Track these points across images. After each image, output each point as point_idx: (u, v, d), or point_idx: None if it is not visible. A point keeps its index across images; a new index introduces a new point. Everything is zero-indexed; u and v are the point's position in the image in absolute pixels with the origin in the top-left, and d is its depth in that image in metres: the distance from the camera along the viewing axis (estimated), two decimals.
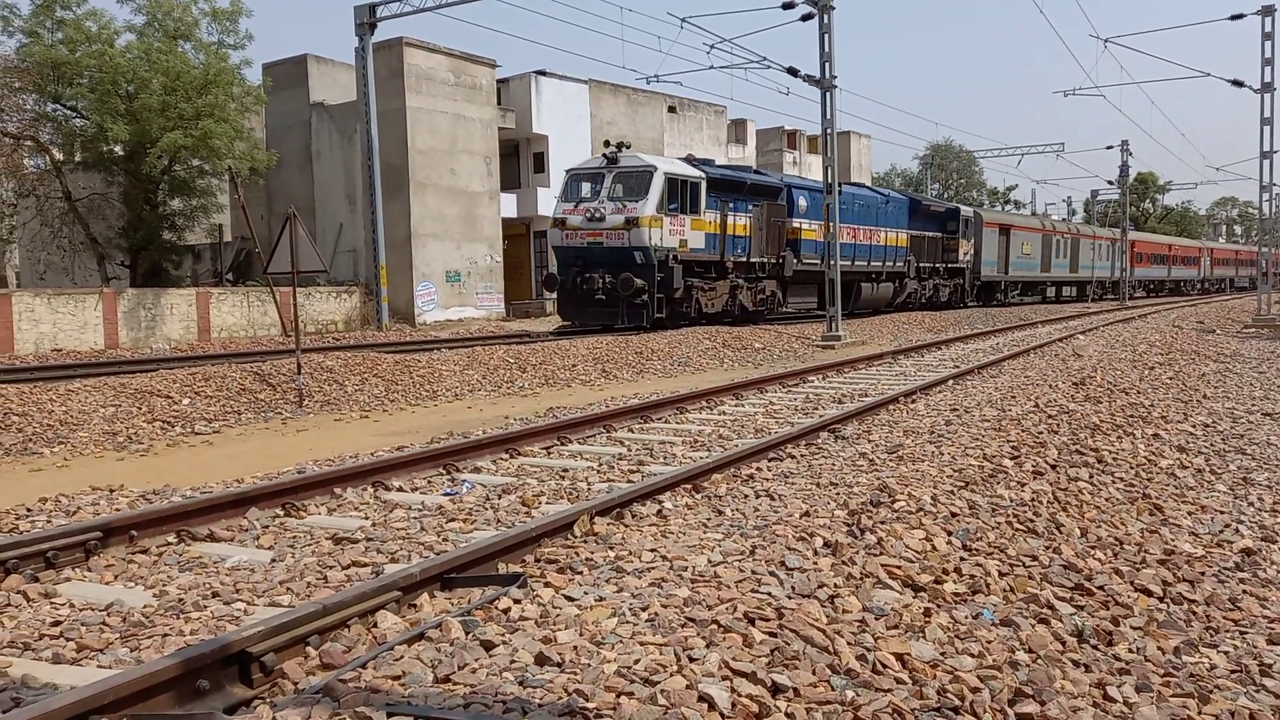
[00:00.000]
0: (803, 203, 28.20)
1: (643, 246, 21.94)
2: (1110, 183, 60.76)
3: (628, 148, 23.88)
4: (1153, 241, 66.57)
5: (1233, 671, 4.37)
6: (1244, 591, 5.48)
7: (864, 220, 31.14)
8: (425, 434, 10.33)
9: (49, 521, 6.51)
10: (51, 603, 4.97)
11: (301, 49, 31.77)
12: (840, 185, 27.46)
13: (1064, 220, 61.26)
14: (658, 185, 22.23)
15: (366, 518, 6.61)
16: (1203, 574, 5.69)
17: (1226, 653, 4.58)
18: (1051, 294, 51.93)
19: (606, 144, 24.73)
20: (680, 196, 23.08)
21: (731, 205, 24.89)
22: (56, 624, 4.61)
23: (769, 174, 29.67)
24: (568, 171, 25.01)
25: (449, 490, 7.46)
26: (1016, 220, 47.10)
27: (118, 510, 6.70)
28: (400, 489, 7.52)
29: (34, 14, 38.34)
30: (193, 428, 10.98)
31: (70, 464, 9.16)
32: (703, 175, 24.11)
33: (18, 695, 3.76)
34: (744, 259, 25.57)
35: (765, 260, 26.40)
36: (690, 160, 25.32)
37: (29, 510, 6.86)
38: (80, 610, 4.83)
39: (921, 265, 35.67)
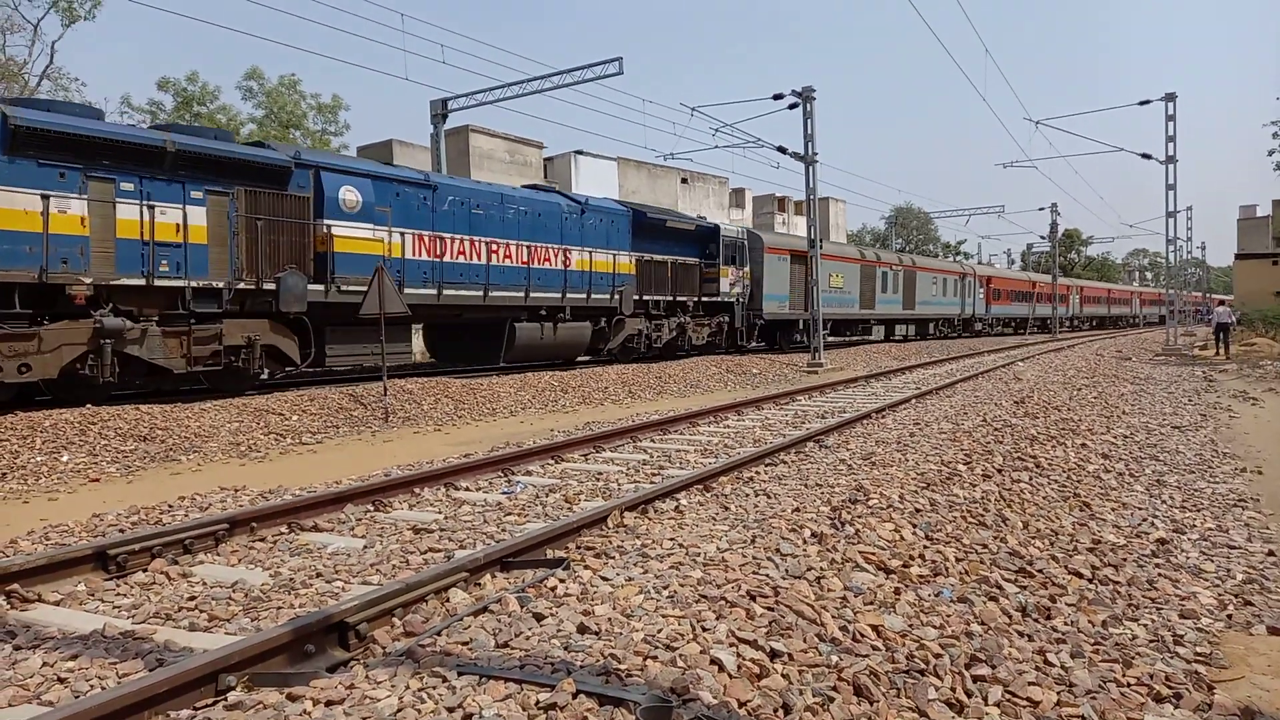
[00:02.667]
0: (349, 196, 14.35)
1: None
2: (1042, 238, 60.34)
3: None
4: (1011, 278, 52.67)
5: (1151, 641, 4.29)
6: (1159, 574, 5.39)
7: (526, 234, 18.05)
8: (487, 444, 10.34)
9: (186, 515, 6.57)
10: (188, 581, 5.01)
11: (388, 134, 32.15)
12: (443, 179, 17.18)
13: (898, 252, 46.69)
14: None
15: (440, 512, 6.62)
16: (1125, 560, 5.61)
17: (1145, 625, 4.50)
18: (880, 334, 38.76)
19: None
20: None
21: (147, 189, 11.86)
22: (192, 598, 4.64)
23: (274, 147, 14.31)
24: None
25: (506, 489, 7.46)
26: (822, 248, 31.34)
27: (241, 506, 6.75)
28: (467, 489, 7.53)
29: (176, 109, 39.06)
30: (300, 439, 11.04)
31: (203, 469, 9.24)
32: None
33: (161, 656, 3.78)
34: (142, 282, 11.81)
35: (227, 286, 12.71)
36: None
37: (170, 506, 6.92)
38: (211, 587, 4.86)
39: (654, 299, 21.81)
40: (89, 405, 11.10)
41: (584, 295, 19.58)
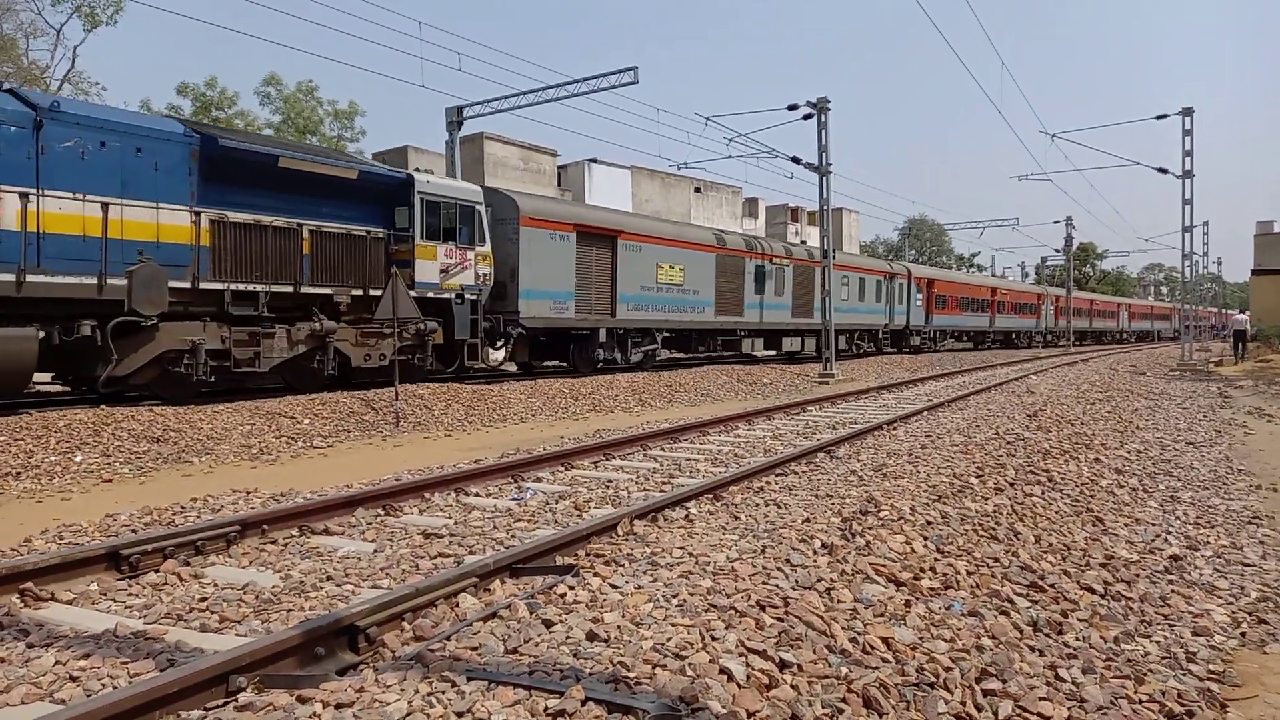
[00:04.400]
0: None
1: None
2: (1057, 251, 60.07)
3: None
4: (961, 282, 44.24)
5: (1163, 658, 4.26)
6: (1173, 591, 5.36)
7: None
8: (497, 450, 10.37)
9: (198, 517, 6.60)
10: (200, 582, 5.04)
11: (403, 141, 32.35)
12: None
13: (785, 242, 32.08)
14: None
15: (450, 518, 6.64)
16: (1138, 576, 5.57)
17: (1158, 642, 4.47)
18: (756, 348, 27.50)
19: None
20: None
21: None
22: (204, 600, 4.67)
23: None
24: None
25: (516, 496, 7.47)
26: (630, 224, 21.60)
27: (253, 509, 6.78)
28: (477, 494, 7.55)
29: (195, 114, 39.46)
30: (311, 443, 11.10)
31: (215, 470, 9.29)
32: None
33: (172, 657, 3.81)
34: None
35: None
36: None
37: (183, 508, 6.96)
38: (222, 589, 4.88)
39: (252, 289, 13.21)
40: (103, 406, 11.19)
41: (10, 277, 10.51)
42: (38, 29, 35.36)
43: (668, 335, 23.01)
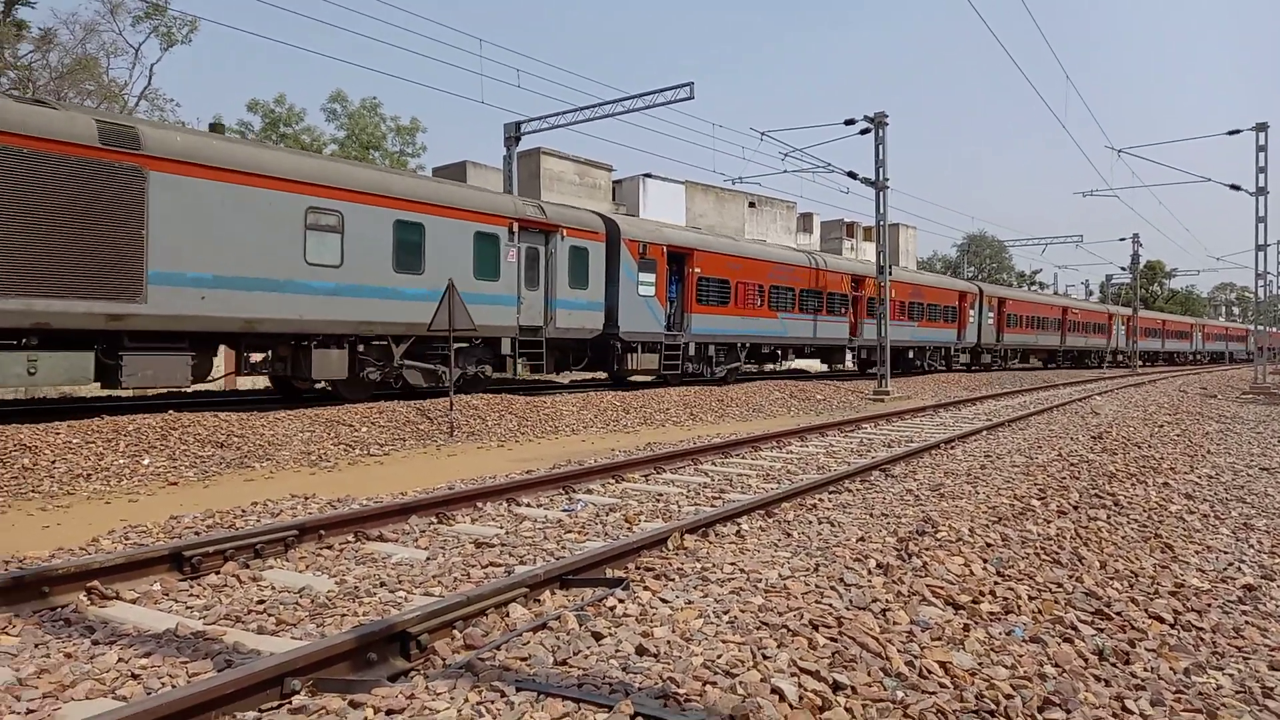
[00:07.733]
0: None
1: None
2: (1123, 269, 58.34)
3: None
4: (764, 260, 23.94)
5: (1237, 692, 4.06)
6: (1246, 622, 5.11)
7: None
8: (548, 461, 10.39)
9: (258, 520, 6.73)
10: (258, 585, 5.13)
11: (462, 156, 32.89)
12: None
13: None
14: None
15: (501, 527, 6.66)
16: (1209, 605, 5.33)
17: (1231, 675, 4.26)
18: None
19: None
20: None
21: None
22: (261, 602, 4.75)
23: None
24: None
25: (567, 507, 7.47)
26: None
27: (310, 514, 6.89)
28: (528, 505, 7.57)
29: (263, 130, 40.67)
30: (368, 450, 11.26)
31: (275, 476, 9.47)
32: None
33: (230, 658, 3.87)
34: None
35: None
36: None
37: (243, 511, 7.11)
38: (279, 592, 4.96)
39: None
40: (171, 411, 11.53)
41: None
42: (118, 48, 36.89)
43: None
